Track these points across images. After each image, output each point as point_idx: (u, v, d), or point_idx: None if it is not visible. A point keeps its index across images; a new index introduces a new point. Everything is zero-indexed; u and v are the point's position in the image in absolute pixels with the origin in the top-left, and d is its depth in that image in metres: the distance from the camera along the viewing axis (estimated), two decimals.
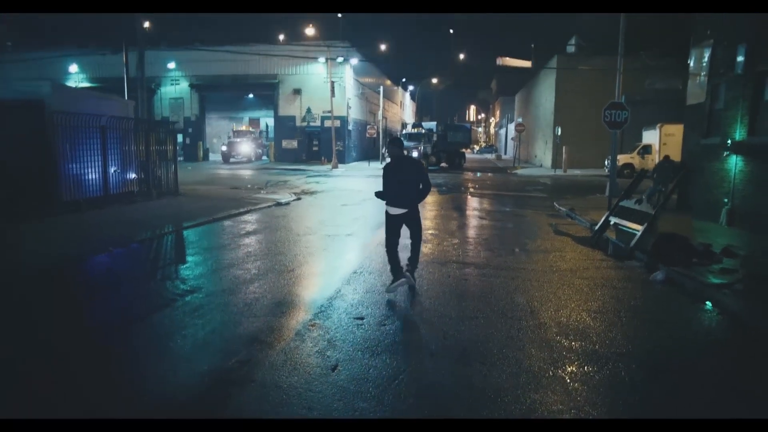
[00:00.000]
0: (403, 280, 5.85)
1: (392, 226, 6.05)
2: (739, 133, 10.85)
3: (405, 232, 6.09)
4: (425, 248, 8.51)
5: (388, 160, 6.38)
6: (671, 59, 26.73)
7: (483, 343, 4.52)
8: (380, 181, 6.07)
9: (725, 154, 11.27)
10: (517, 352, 4.38)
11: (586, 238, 10.12)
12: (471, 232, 10.90)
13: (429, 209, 14.13)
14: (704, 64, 12.46)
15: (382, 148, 36.18)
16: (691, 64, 13.36)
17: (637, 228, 8.80)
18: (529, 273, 7.18)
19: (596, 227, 10.22)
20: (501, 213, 13.78)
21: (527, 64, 59.09)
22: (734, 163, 10.93)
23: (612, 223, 9.88)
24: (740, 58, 10.77)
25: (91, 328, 4.88)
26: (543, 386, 3.76)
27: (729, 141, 11.10)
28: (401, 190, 5.91)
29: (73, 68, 36.50)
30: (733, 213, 10.84)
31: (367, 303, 5.60)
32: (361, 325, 4.91)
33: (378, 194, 6.09)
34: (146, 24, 32.51)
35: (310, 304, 5.60)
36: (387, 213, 6.07)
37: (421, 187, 5.99)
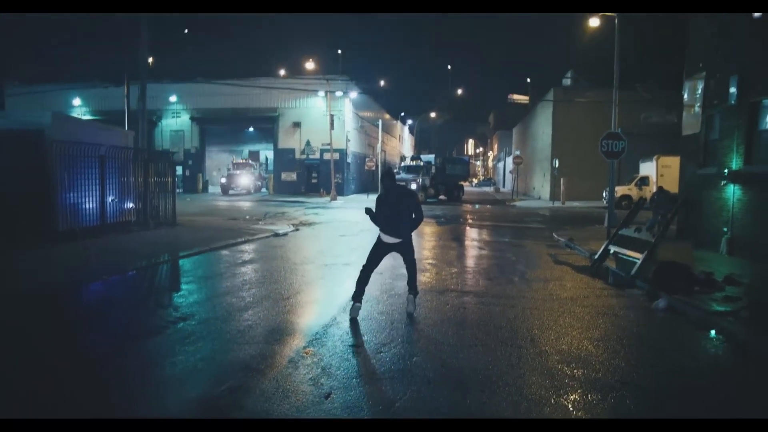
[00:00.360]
0: (359, 305, 5.98)
1: (379, 253, 6.17)
2: (735, 163, 10.90)
3: (395, 259, 6.09)
4: (423, 277, 8.40)
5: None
6: (665, 92, 27.17)
7: (482, 371, 4.38)
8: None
9: (723, 183, 11.29)
10: (517, 379, 4.24)
11: (586, 267, 10.03)
12: (470, 262, 10.80)
13: (428, 240, 14.06)
14: (698, 96, 12.63)
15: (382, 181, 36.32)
16: (685, 96, 13.55)
17: (638, 256, 8.72)
18: (529, 301, 7.06)
19: (596, 256, 10.14)
20: (500, 243, 13.70)
21: (527, 98, 60.07)
22: (732, 192, 10.94)
23: (612, 251, 9.80)
24: (733, 89, 10.91)
25: (80, 354, 4.74)
26: (544, 414, 3.61)
27: (726, 170, 11.14)
28: (395, 219, 6.00)
29: (77, 101, 37.00)
30: (733, 242, 10.77)
31: (364, 330, 5.46)
32: (357, 352, 4.78)
33: (370, 215, 6.19)
34: (150, 59, 33.24)
35: (305, 331, 5.47)
36: (379, 240, 6.16)
37: (413, 216, 6.08)
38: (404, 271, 6.26)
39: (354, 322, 5.72)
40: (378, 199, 6.24)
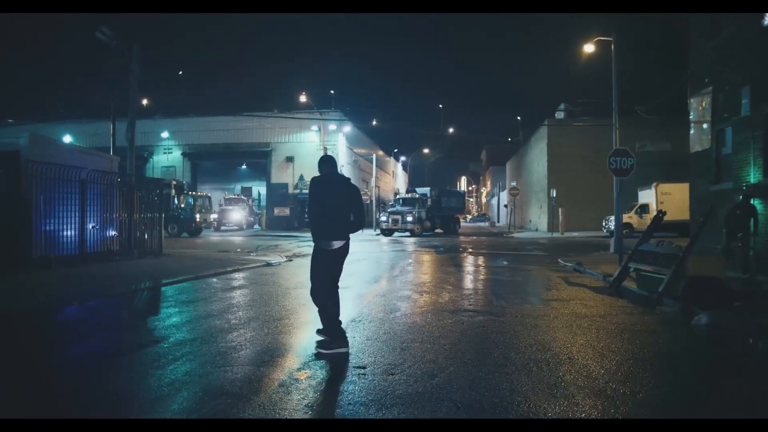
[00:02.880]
0: (346, 350, 4.57)
1: (332, 264, 4.72)
2: (753, 176, 10.32)
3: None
4: (429, 298, 7.57)
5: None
6: (662, 117, 27.05)
7: (520, 394, 3.55)
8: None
9: (740, 198, 10.68)
10: (562, 400, 3.41)
11: (604, 288, 9.26)
12: (478, 285, 9.98)
13: (430, 266, 13.28)
14: (706, 111, 12.19)
15: (376, 214, 35.68)
16: (692, 113, 13.13)
17: (663, 272, 7.98)
18: (553, 320, 6.24)
19: (614, 276, 9.38)
20: (506, 268, 12.91)
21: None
22: None
23: (632, 269, 9.05)
24: (745, 101, 10.46)
25: (38, 379, 3.86)
26: None
27: (744, 185, 10.54)
28: (338, 216, 4.68)
29: (67, 138, 36.47)
30: (757, 257, 10.06)
31: (369, 351, 4.61)
32: (364, 374, 3.92)
33: (311, 224, 4.83)
34: (144, 101, 33.04)
35: (300, 352, 4.61)
36: (321, 249, 4.71)
37: (352, 218, 4.77)
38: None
39: (354, 345, 4.87)
40: (314, 188, 4.82)
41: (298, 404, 3.30)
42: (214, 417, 3.11)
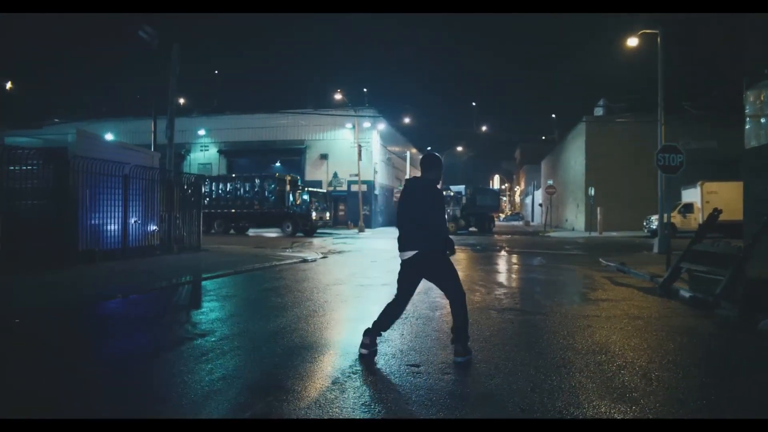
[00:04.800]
0: (375, 349, 4.20)
1: (402, 278, 4.30)
2: None
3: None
4: (474, 296, 7.36)
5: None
6: (708, 113, 25.96)
7: (584, 397, 3.33)
8: None
9: None
10: (630, 405, 3.17)
11: (653, 289, 8.86)
12: (521, 284, 9.70)
13: (469, 264, 13.03)
14: (765, 104, 11.53)
15: None
16: (747, 107, 12.45)
17: (720, 273, 7.54)
18: (605, 321, 5.95)
19: (664, 277, 8.95)
20: (546, 267, 12.55)
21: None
22: None
23: (684, 270, 8.62)
24: None
25: (84, 373, 3.86)
26: None
27: None
28: (411, 225, 4.19)
29: (109, 136, 37.58)
30: None
31: (420, 349, 4.45)
32: (419, 372, 3.76)
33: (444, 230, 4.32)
34: (181, 100, 33.72)
35: (348, 349, 4.48)
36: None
37: (428, 222, 4.16)
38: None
39: (404, 342, 4.72)
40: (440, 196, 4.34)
41: (356, 403, 3.17)
42: (270, 413, 3.00)
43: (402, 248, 4.21)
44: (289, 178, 26.77)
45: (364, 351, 4.13)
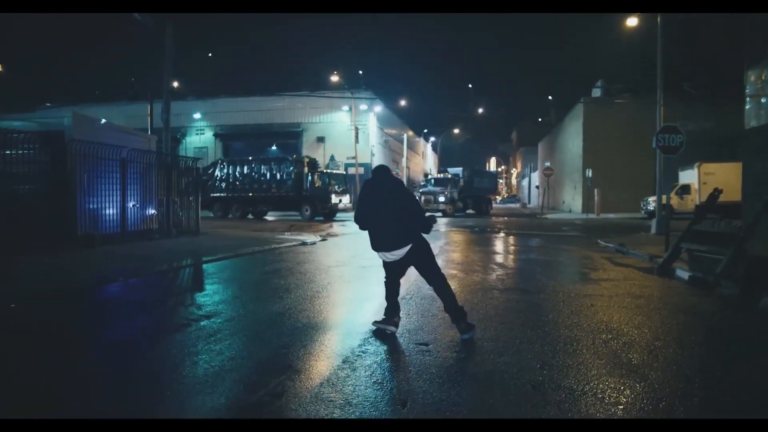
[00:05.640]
0: (393, 329, 4.32)
1: (392, 270, 4.47)
2: None
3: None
4: (476, 277, 7.39)
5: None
6: (705, 94, 25.85)
7: (593, 374, 3.36)
8: None
9: None
10: (640, 382, 3.20)
11: (652, 269, 8.91)
12: (522, 264, 9.74)
13: (467, 245, 13.06)
14: (765, 84, 11.52)
15: None
16: (748, 87, 12.44)
17: (721, 252, 7.59)
18: (608, 300, 5.99)
19: (664, 257, 9.00)
20: (545, 248, 12.60)
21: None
22: None
23: (684, 250, 8.66)
24: None
25: (95, 356, 3.86)
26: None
27: None
28: (396, 224, 4.23)
29: (102, 121, 37.22)
30: None
31: (427, 328, 4.48)
32: (427, 351, 3.79)
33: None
34: (175, 83, 33.30)
35: (355, 329, 4.50)
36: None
37: (414, 213, 4.31)
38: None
39: (411, 321, 4.74)
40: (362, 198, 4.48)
41: (368, 381, 3.18)
42: (284, 392, 3.02)
43: (393, 247, 4.22)
44: (307, 159, 25.95)
45: (392, 328, 4.34)
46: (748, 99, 12.41)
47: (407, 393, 2.99)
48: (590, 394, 3.03)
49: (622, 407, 2.85)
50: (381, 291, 6.28)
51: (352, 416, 2.67)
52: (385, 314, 4.41)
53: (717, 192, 9.16)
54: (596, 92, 35.96)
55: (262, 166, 25.87)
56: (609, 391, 3.08)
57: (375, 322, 4.41)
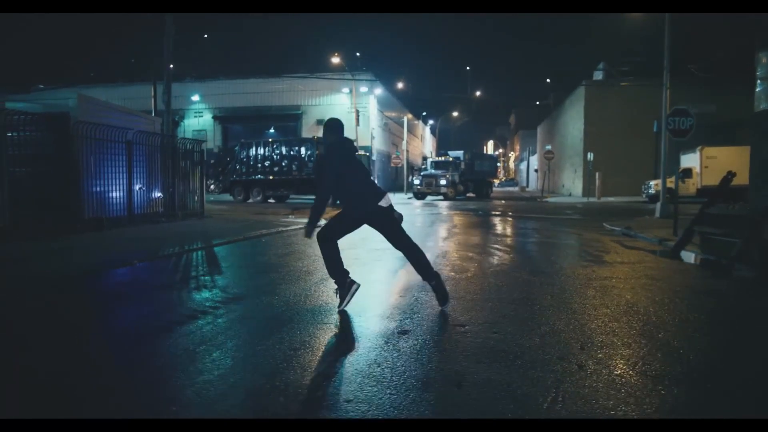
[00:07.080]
0: (355, 287, 4.53)
1: (352, 224, 4.85)
2: None
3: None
4: (491, 259, 7.38)
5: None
6: (709, 77, 25.74)
7: (635, 354, 3.37)
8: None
9: None
10: (679, 365, 3.21)
11: (664, 252, 8.95)
12: (533, 247, 9.74)
13: (474, 228, 13.06)
14: None
15: (408, 178, 35.35)
16: (759, 69, 12.32)
17: (736, 236, 7.61)
18: (626, 282, 6.00)
19: (676, 241, 9.04)
20: (552, 231, 12.61)
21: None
22: None
23: (697, 233, 8.69)
24: None
25: (107, 342, 3.83)
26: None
27: None
28: (372, 182, 5.04)
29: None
30: None
31: (459, 309, 4.48)
32: (466, 332, 3.79)
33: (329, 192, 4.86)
34: (171, 66, 32.82)
35: (387, 311, 4.50)
36: (364, 213, 4.74)
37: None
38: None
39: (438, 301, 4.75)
40: (338, 160, 4.69)
41: (416, 361, 3.18)
42: (335, 373, 3.01)
43: (380, 198, 4.59)
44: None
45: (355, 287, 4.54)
46: (759, 81, 12.30)
47: (457, 373, 2.98)
48: (633, 373, 3.04)
49: (675, 389, 2.86)
50: (402, 273, 6.30)
51: (411, 396, 2.66)
52: (338, 287, 4.51)
53: (730, 175, 9.16)
54: (598, 75, 35.81)
55: (283, 148, 25.24)
56: (648, 369, 3.09)
57: (340, 305, 4.46)
